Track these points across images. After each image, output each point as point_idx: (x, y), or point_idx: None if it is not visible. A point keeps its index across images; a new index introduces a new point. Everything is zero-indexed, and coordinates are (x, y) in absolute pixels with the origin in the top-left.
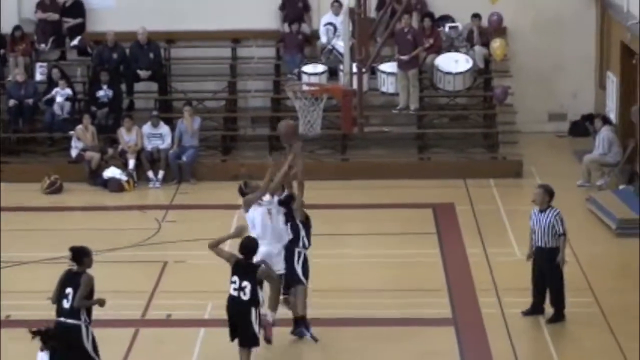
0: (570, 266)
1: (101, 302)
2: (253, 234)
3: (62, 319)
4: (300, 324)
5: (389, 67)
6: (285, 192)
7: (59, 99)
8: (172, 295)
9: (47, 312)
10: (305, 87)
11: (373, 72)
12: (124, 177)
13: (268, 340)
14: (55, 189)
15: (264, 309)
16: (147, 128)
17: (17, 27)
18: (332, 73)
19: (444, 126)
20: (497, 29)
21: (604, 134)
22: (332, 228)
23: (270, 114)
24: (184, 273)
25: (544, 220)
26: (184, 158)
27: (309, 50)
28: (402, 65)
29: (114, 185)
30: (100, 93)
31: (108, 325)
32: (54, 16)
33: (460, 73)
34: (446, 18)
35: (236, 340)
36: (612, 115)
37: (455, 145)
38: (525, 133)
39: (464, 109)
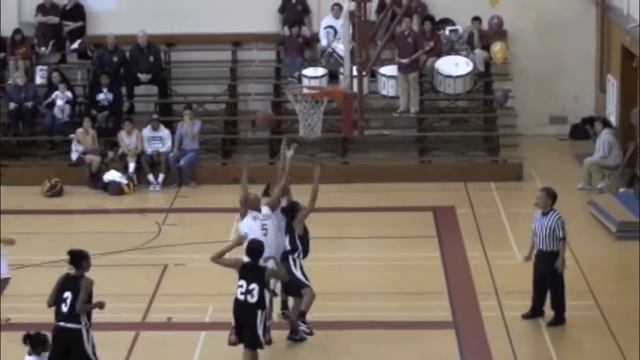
0: (571, 269)
1: (101, 305)
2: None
3: (61, 323)
4: (297, 318)
5: (390, 70)
6: (285, 201)
7: (59, 102)
8: (173, 298)
9: (47, 315)
10: (305, 90)
11: (373, 75)
12: (124, 181)
13: (267, 343)
14: (55, 192)
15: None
16: (147, 131)
17: (17, 31)
18: (333, 76)
19: (444, 129)
20: (498, 32)
21: (605, 137)
22: (333, 231)
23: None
24: (184, 276)
25: (546, 224)
26: (183, 162)
27: (309, 54)
28: (403, 69)
29: (114, 189)
30: (101, 96)
31: (108, 328)
32: (54, 19)
33: (461, 76)
34: (446, 21)
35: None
36: (613, 118)
37: (455, 148)
38: (525, 136)
39: (465, 112)
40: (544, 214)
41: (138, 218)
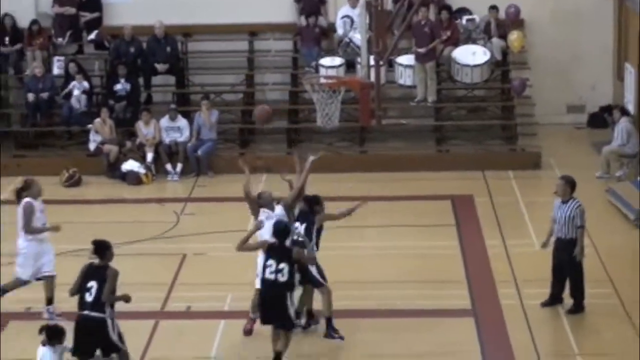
0: (590, 257)
1: (127, 299)
2: (266, 236)
3: (85, 312)
4: (327, 325)
5: (407, 59)
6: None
7: (76, 93)
8: (192, 287)
9: (68, 304)
10: (322, 80)
11: (390, 64)
12: (142, 170)
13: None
14: (74, 182)
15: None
16: (165, 121)
17: (34, 22)
18: (350, 66)
19: (461, 118)
20: (515, 21)
21: (623, 125)
22: (350, 220)
23: (288, 107)
24: (203, 265)
25: (565, 212)
26: (200, 151)
27: (326, 43)
28: (420, 58)
29: (133, 178)
30: (118, 87)
31: (128, 317)
32: (71, 10)
33: (478, 65)
34: (463, 10)
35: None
36: (631, 107)
37: (473, 137)
38: (543, 125)
39: (482, 101)
40: (564, 202)
41: (156, 208)
